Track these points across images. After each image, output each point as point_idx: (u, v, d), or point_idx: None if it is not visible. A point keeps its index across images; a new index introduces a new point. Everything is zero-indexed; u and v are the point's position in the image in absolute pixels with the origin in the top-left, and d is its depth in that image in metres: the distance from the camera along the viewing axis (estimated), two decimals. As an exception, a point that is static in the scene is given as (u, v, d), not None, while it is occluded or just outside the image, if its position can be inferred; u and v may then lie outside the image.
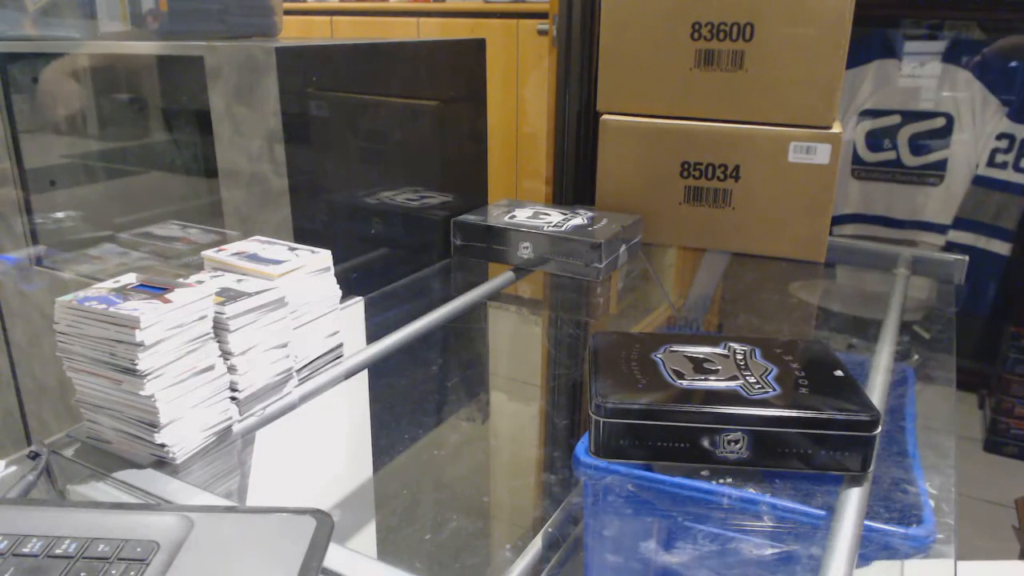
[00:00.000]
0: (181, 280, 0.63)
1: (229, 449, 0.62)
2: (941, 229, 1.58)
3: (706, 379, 0.58)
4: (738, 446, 0.54)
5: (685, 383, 0.58)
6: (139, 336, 0.54)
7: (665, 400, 0.55)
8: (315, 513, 0.45)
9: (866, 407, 0.54)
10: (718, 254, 1.14)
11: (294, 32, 2.60)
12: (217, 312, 0.61)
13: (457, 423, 0.84)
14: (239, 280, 0.66)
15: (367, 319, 0.92)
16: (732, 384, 0.57)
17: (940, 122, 1.53)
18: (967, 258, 1.09)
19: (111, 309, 0.55)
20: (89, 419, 0.60)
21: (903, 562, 0.46)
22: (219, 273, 0.68)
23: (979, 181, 1.51)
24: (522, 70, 2.18)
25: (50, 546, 0.42)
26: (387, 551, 0.67)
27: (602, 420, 0.55)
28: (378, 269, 1.02)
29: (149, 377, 0.55)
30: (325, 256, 0.73)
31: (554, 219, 1.07)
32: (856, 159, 1.61)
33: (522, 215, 1.09)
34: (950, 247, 1.55)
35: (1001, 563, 0.60)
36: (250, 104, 0.86)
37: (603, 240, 0.99)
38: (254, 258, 0.70)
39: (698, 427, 0.54)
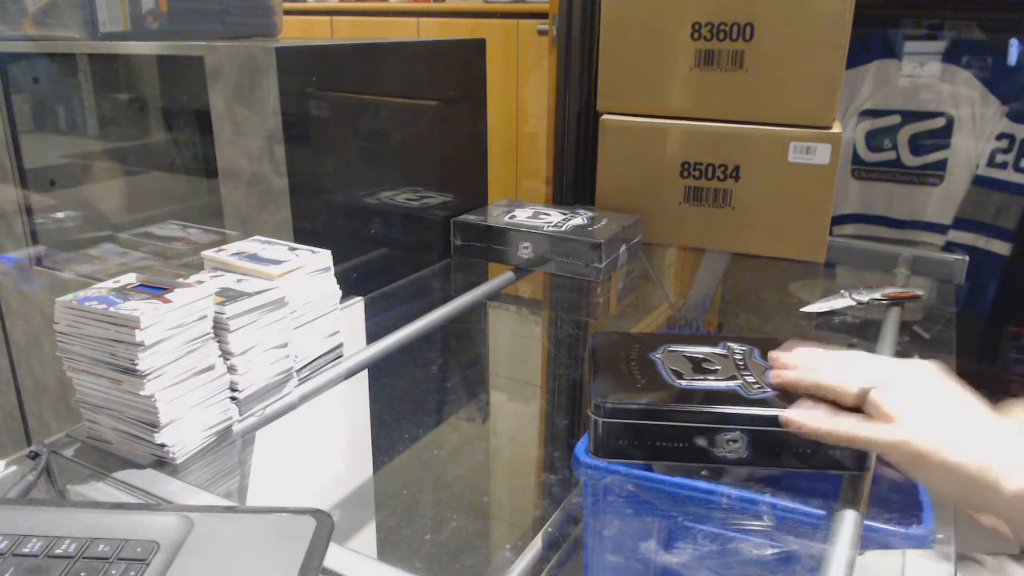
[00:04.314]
0: (181, 280, 0.63)
1: (229, 449, 0.62)
2: (941, 229, 1.57)
3: (705, 379, 0.58)
4: (737, 445, 0.54)
5: (684, 383, 0.58)
6: (139, 336, 0.54)
7: (664, 400, 0.55)
8: (315, 513, 0.45)
9: None
10: (718, 254, 1.14)
11: (294, 32, 2.60)
12: (217, 312, 0.61)
13: (457, 423, 0.84)
14: (239, 280, 0.66)
15: (367, 319, 0.92)
16: (731, 384, 0.57)
17: (940, 122, 1.53)
18: (967, 258, 1.08)
19: (111, 309, 0.55)
20: (89, 419, 0.60)
21: (904, 558, 0.46)
22: (219, 273, 0.68)
23: (979, 181, 1.51)
24: (522, 70, 2.18)
25: (50, 546, 0.42)
26: (387, 551, 0.67)
27: (601, 420, 0.55)
28: (378, 269, 1.02)
29: (149, 377, 0.55)
30: (325, 256, 0.73)
31: (554, 219, 1.07)
32: (856, 159, 1.60)
33: (522, 215, 1.09)
34: (950, 247, 1.55)
35: (1001, 558, 0.60)
36: (250, 104, 0.86)
37: (603, 240, 0.99)
38: (254, 258, 0.70)
39: (697, 427, 0.54)
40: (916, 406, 0.49)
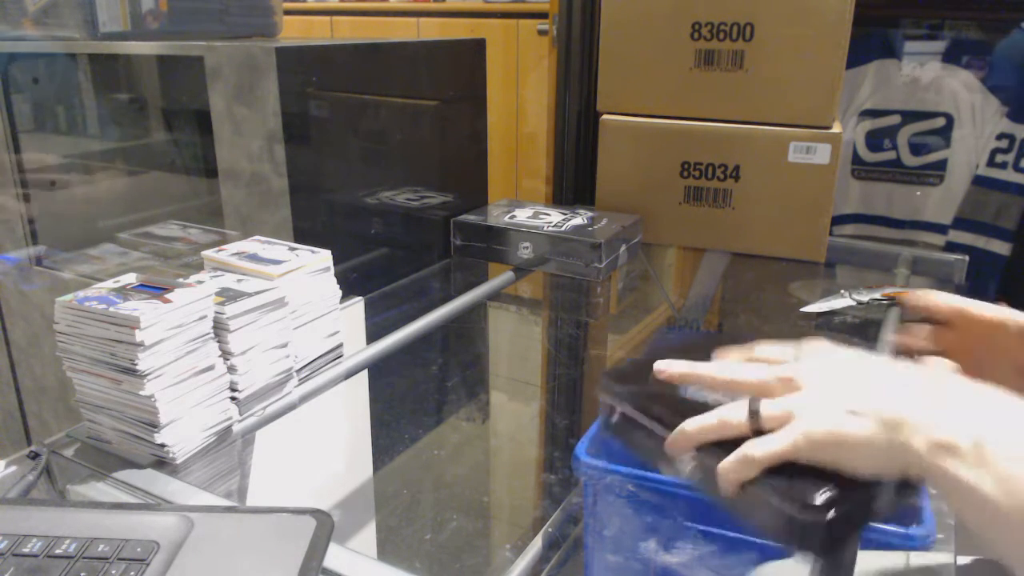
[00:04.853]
0: (181, 280, 0.63)
1: (229, 449, 0.62)
2: (941, 229, 1.57)
3: (721, 401, 0.48)
4: (693, 466, 0.47)
5: (693, 394, 0.50)
6: (139, 336, 0.54)
7: (646, 396, 0.50)
8: (315, 513, 0.45)
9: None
10: (718, 254, 1.14)
11: (294, 32, 2.60)
12: (217, 312, 0.61)
13: (457, 423, 0.84)
14: (239, 280, 0.66)
15: (367, 319, 0.92)
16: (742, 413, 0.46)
17: (940, 122, 1.53)
18: (967, 258, 1.08)
19: (111, 309, 0.55)
20: (89, 419, 0.60)
21: (905, 559, 0.46)
22: (219, 273, 0.68)
23: (979, 181, 1.51)
24: (522, 70, 2.18)
25: (50, 546, 0.42)
26: (387, 551, 0.67)
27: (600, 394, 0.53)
28: (378, 269, 1.02)
29: (149, 377, 0.55)
30: (325, 256, 0.73)
31: (554, 219, 1.07)
32: (856, 159, 1.60)
33: (522, 215, 1.09)
34: (950, 247, 1.55)
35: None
36: (250, 104, 0.86)
37: (603, 240, 0.99)
38: (254, 258, 0.70)
39: (660, 433, 0.47)
40: (805, 395, 0.44)
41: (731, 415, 0.45)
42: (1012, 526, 0.36)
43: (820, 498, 0.41)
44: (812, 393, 0.45)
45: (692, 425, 0.46)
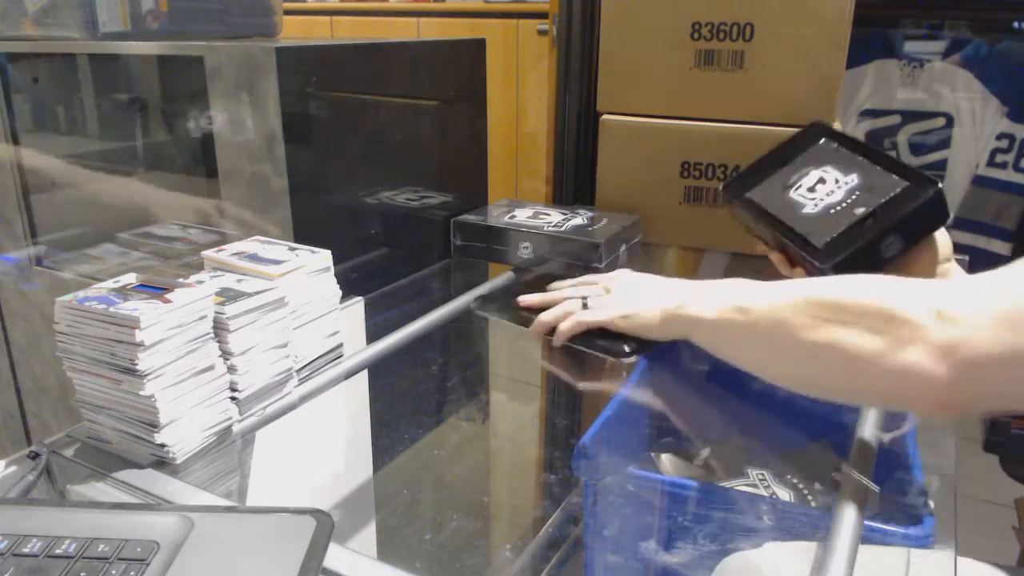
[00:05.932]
0: (181, 280, 0.63)
1: (229, 449, 0.62)
2: (941, 229, 1.57)
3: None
4: None
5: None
6: (139, 336, 0.54)
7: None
8: (315, 513, 0.45)
9: None
10: (718, 254, 1.14)
11: (294, 32, 2.60)
12: (217, 312, 0.61)
13: (457, 423, 0.84)
14: (239, 280, 0.66)
15: (367, 319, 0.92)
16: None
17: (940, 122, 1.53)
18: (967, 258, 1.08)
19: (111, 309, 0.55)
20: (89, 419, 0.60)
21: (905, 557, 0.46)
22: (219, 273, 0.68)
23: (979, 181, 1.51)
24: (522, 70, 2.18)
25: (50, 546, 0.42)
26: (387, 551, 0.67)
27: None
28: (378, 269, 1.02)
29: (149, 377, 0.55)
30: (325, 256, 0.73)
31: (554, 219, 1.07)
32: (856, 159, 1.60)
33: (522, 215, 1.09)
34: (950, 247, 1.55)
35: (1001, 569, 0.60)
36: (250, 104, 0.86)
37: (603, 240, 0.99)
38: (254, 258, 0.70)
39: None
40: (614, 294, 0.78)
41: (570, 305, 0.79)
42: (735, 332, 0.59)
43: (628, 347, 0.74)
44: (618, 293, 0.78)
45: (546, 316, 0.80)
